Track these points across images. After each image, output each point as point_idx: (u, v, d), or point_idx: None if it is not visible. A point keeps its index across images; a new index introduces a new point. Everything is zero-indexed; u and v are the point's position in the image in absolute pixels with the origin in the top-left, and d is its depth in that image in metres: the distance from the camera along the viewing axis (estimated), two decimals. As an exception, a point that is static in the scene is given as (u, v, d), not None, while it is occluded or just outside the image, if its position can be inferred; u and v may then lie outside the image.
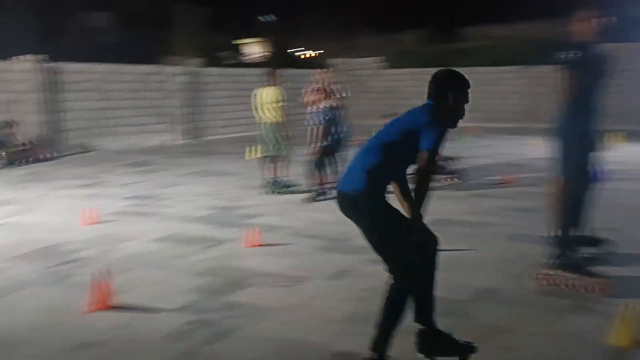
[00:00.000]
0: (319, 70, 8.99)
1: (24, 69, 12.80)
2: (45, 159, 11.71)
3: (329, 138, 7.60)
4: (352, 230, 5.85)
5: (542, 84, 19.56)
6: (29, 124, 12.57)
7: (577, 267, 4.24)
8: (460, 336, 3.48)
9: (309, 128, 7.77)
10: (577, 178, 4.34)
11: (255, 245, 5.46)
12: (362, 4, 38.57)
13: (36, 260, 5.06)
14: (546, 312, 3.86)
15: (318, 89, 8.07)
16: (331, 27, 38.35)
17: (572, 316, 3.79)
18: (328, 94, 7.78)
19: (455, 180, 8.81)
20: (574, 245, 4.42)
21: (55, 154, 12.32)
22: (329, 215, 6.72)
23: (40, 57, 13.10)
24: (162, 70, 16.04)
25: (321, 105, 7.75)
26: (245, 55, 47.63)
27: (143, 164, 11.37)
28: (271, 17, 16.21)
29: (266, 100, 8.17)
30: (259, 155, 11.73)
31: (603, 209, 6.83)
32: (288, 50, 35.19)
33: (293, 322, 3.75)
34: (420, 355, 3.18)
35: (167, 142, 15.60)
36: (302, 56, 41.68)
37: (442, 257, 4.98)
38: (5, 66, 12.82)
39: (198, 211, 7.02)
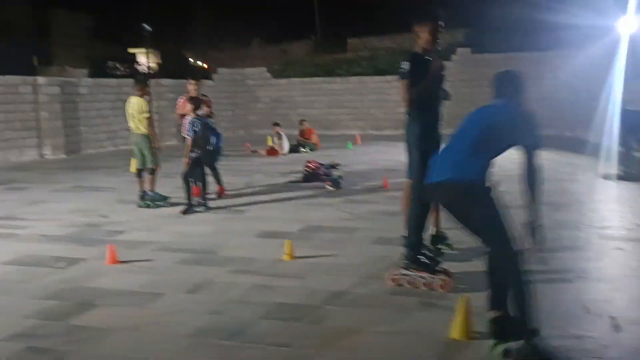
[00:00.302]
0: (192, 82, 8.84)
1: None
2: None
3: (197, 150, 7.46)
4: (221, 242, 5.85)
5: (421, 92, 20.55)
6: None
7: (424, 266, 4.43)
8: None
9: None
10: (420, 182, 4.52)
11: (115, 263, 5.21)
12: (252, 15, 38.69)
13: None
14: (393, 312, 3.98)
15: (186, 101, 7.91)
16: (223, 38, 38.12)
17: (417, 313, 3.94)
18: (196, 105, 7.64)
19: (330, 187, 8.97)
20: (422, 244, 4.60)
21: None
22: (200, 227, 6.59)
23: None
24: (30, 81, 15.02)
25: (189, 117, 7.61)
26: (139, 65, 46.11)
27: (8, 181, 10.55)
28: (147, 27, 15.69)
29: (131, 111, 7.88)
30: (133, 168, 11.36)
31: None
32: (190, 60, 34.39)
33: (138, 341, 3.59)
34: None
35: (37, 157, 14.63)
36: (203, 66, 40.96)
37: (301, 264, 5.09)
38: None
39: (61, 229, 6.60)
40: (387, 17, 33.11)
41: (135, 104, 7.89)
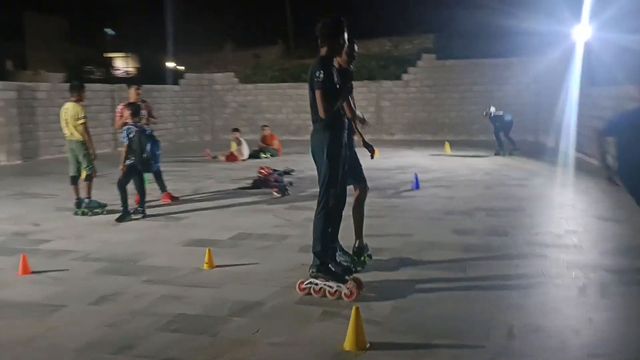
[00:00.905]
0: (132, 87, 8.72)
1: None
2: None
3: (132, 156, 7.34)
4: (145, 251, 5.74)
5: (386, 98, 20.61)
6: None
7: (332, 274, 4.37)
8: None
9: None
10: (336, 191, 4.47)
11: (27, 273, 5.06)
12: (222, 20, 38.54)
13: None
14: (296, 322, 3.90)
15: (124, 107, 7.78)
16: (197, 42, 37.90)
17: (319, 323, 3.87)
18: (134, 111, 7.52)
19: (276, 194, 8.89)
20: (330, 253, 4.54)
21: None
22: (129, 235, 6.47)
23: None
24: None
25: (126, 124, 7.49)
26: (116, 69, 45.69)
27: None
28: (110, 31, 15.60)
29: (66, 117, 7.73)
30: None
31: (404, 214, 7.29)
32: (168, 65, 34.16)
33: (24, 355, 3.47)
34: None
35: (-10, 163, 14.35)
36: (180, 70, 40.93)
37: (220, 273, 5.00)
38: None
39: (-16, 238, 6.43)
40: (358, 22, 33.24)
41: (70, 110, 7.74)
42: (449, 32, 22.78)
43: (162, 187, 8.68)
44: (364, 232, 5.28)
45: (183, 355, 3.43)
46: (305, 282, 4.40)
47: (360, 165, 5.19)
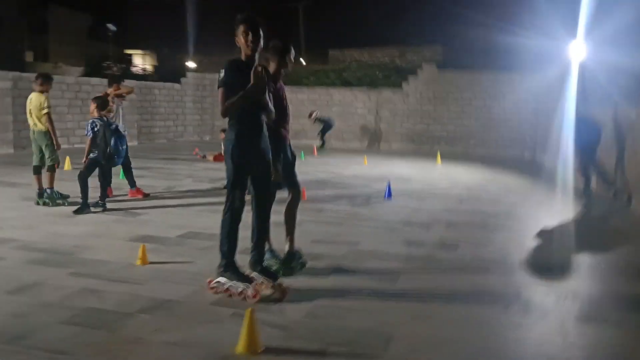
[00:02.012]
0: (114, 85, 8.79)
1: None
2: None
3: (96, 150, 7.36)
4: (88, 244, 5.73)
5: (386, 108, 20.55)
6: None
7: (237, 275, 4.32)
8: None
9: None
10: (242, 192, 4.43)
11: (-40, 260, 5.08)
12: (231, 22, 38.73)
13: None
14: (202, 322, 3.85)
15: (93, 100, 7.81)
16: (211, 43, 38.16)
17: (224, 325, 3.81)
18: (100, 105, 7.54)
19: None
20: (233, 253, 4.45)
21: None
22: (80, 228, 6.48)
23: None
24: (-18, 74, 14.93)
25: (92, 117, 7.51)
26: (135, 66, 46.22)
27: None
28: (112, 27, 15.78)
29: (31, 107, 7.78)
30: (67, 166, 11.22)
31: (362, 223, 7.22)
32: (186, 64, 34.45)
33: None
34: None
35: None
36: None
37: (149, 270, 4.97)
38: None
39: (-62, 224, 6.47)
40: (368, 30, 33.25)
41: (34, 100, 7.79)
42: (450, 44, 22.70)
43: (132, 183, 8.70)
44: (307, 237, 5.24)
45: (70, 349, 3.39)
46: (214, 282, 4.36)
47: (292, 170, 5.10)
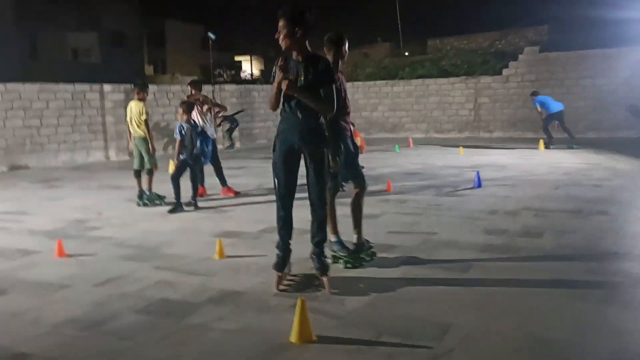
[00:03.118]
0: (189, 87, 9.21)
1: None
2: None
3: (184, 152, 7.77)
4: (172, 240, 6.08)
5: (485, 95, 19.77)
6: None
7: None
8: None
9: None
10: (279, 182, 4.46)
11: (62, 256, 5.58)
12: (337, 18, 39.06)
13: None
14: (262, 312, 3.96)
15: (181, 104, 8.24)
16: (310, 43, 38.81)
17: (283, 314, 3.88)
18: (186, 109, 7.94)
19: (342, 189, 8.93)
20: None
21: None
22: (168, 225, 6.88)
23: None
24: (97, 88, 16.27)
25: (179, 121, 7.94)
26: (243, 72, 48.32)
27: (55, 179, 11.56)
28: (212, 36, 16.55)
29: (131, 115, 8.36)
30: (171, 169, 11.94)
31: (443, 213, 7.02)
32: None
33: (9, 325, 3.86)
34: None
35: (103, 159, 15.84)
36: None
37: (224, 263, 5.16)
38: None
39: (50, 224, 7.15)
40: (466, 16, 32.14)
41: (134, 108, 8.36)
42: (553, 23, 21.34)
43: (223, 182, 9.10)
44: (384, 228, 5.18)
45: (139, 335, 3.63)
46: (284, 274, 4.50)
47: (355, 161, 5.06)
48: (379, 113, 21.68)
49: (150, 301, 4.25)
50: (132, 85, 8.86)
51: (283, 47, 4.22)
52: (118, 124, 16.39)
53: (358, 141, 15.68)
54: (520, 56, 19.33)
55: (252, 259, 5.33)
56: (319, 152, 4.29)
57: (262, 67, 52.01)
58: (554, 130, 14.60)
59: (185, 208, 7.80)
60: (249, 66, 52.59)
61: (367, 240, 5.15)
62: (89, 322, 3.86)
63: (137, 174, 8.47)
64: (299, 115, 4.23)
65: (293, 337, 3.46)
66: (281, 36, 4.15)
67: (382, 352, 3.27)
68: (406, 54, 30.83)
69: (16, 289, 4.63)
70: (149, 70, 48.87)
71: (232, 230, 6.50)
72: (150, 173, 8.40)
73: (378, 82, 21.82)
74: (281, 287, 4.40)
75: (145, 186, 8.39)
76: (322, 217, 4.43)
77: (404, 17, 37.97)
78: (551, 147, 14.30)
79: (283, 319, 3.81)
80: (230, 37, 48.46)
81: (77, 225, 7.05)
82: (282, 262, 4.48)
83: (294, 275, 4.60)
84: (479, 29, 28.72)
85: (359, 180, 5.09)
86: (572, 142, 14.28)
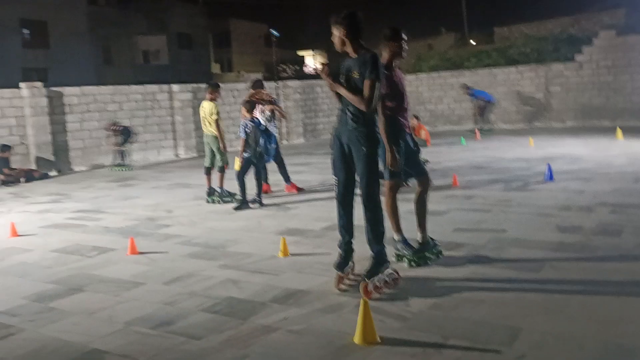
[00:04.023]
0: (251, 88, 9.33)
1: (28, 94, 13.82)
2: (40, 178, 12.60)
3: (249, 150, 7.87)
4: (238, 238, 6.18)
5: (556, 83, 18.96)
6: (34, 146, 13.60)
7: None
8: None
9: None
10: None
11: (134, 254, 5.79)
12: (400, 11, 38.60)
13: None
14: (327, 312, 3.94)
15: (244, 103, 8.36)
16: (371, 35, 38.63)
17: (348, 315, 3.85)
18: (249, 108, 8.05)
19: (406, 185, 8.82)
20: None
21: (53, 173, 13.32)
22: (234, 223, 7.00)
23: (40, 84, 14.14)
24: (166, 89, 16.79)
25: (243, 119, 8.05)
26: (306, 67, 48.79)
27: (128, 178, 12.03)
28: (275, 33, 16.75)
29: (203, 114, 8.56)
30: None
31: (512, 209, 6.78)
32: None
33: (82, 324, 4.02)
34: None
35: (173, 157, 16.37)
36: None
37: (289, 261, 5.19)
38: (14, 93, 13.90)
39: (123, 222, 7.44)
40: (536, 2, 30.90)
41: (206, 108, 8.55)
42: (632, 5, 20.15)
43: (286, 179, 9.17)
44: (450, 226, 5.05)
45: (207, 334, 3.70)
46: (346, 274, 4.47)
47: (416, 158, 4.96)
48: (444, 105, 21.24)
49: (217, 300, 4.32)
50: (206, 85, 9.08)
51: (337, 49, 4.35)
52: (186, 123, 16.89)
53: (423, 135, 15.49)
54: (595, 41, 18.39)
55: (316, 257, 5.33)
56: (362, 153, 4.26)
57: (326, 62, 52.19)
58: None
59: (251, 205, 7.92)
60: (312, 61, 52.86)
61: (432, 239, 5.04)
62: (159, 321, 3.98)
63: (208, 172, 8.66)
64: (348, 114, 4.30)
65: (357, 339, 3.43)
66: (335, 40, 4.32)
67: (449, 356, 3.19)
68: (472, 42, 30.07)
69: (92, 287, 4.84)
70: (215, 68, 50.11)
71: (296, 227, 6.53)
72: (222, 171, 8.56)
73: (443, 73, 21.37)
74: (342, 286, 4.38)
75: (216, 184, 8.56)
76: (372, 218, 4.35)
77: (470, 6, 37.06)
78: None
79: (347, 319, 3.79)
80: (293, 33, 49.02)
81: (149, 223, 7.30)
82: (343, 261, 4.46)
83: (358, 275, 4.55)
84: (550, 15, 27.63)
85: (423, 177, 4.99)
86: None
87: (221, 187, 8.58)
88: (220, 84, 9.83)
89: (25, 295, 4.68)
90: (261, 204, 7.95)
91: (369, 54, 4.21)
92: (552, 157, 10.92)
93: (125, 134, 14.10)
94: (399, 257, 4.92)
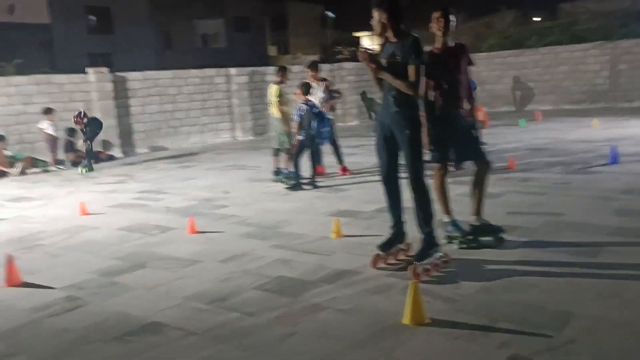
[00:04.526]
0: (307, 69, 9.38)
1: (95, 79, 14.42)
2: (106, 160, 13.17)
3: (303, 132, 7.97)
4: (291, 219, 6.32)
5: (624, 60, 18.12)
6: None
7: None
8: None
9: None
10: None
11: (192, 233, 6.02)
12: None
13: (5, 246, 5.98)
14: (376, 292, 4.00)
15: (298, 86, 8.44)
16: (428, 14, 37.80)
17: (396, 296, 3.90)
18: (305, 91, 8.12)
19: (451, 168, 8.69)
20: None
21: (118, 155, 13.90)
22: (287, 205, 7.14)
23: (106, 69, 14.71)
24: (223, 72, 17.10)
25: (298, 102, 8.14)
26: (363, 48, 48.31)
27: (187, 160, 12.42)
28: (330, 14, 16.84)
29: (270, 97, 8.73)
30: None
31: (570, 192, 6.60)
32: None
33: (143, 298, 4.25)
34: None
35: (230, 139, 16.72)
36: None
37: (340, 242, 5.27)
38: (82, 78, 14.53)
39: (183, 203, 7.72)
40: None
41: (273, 91, 8.72)
42: None
43: (339, 161, 9.23)
44: (504, 208, 5.04)
45: (258, 311, 3.84)
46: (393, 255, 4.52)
47: (469, 140, 4.88)
48: (503, 85, 20.67)
49: (269, 278, 4.46)
50: (276, 68, 9.26)
51: (376, 34, 4.35)
52: (242, 105, 17.18)
53: (480, 116, 15.16)
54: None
55: (367, 238, 5.38)
56: (405, 136, 4.28)
57: (382, 42, 51.78)
58: None
59: (304, 187, 8.03)
60: (368, 42, 52.44)
61: (495, 226, 4.91)
62: (214, 297, 4.15)
63: (276, 153, 8.82)
64: (390, 98, 4.31)
65: (406, 319, 3.48)
66: (374, 23, 4.30)
67: (497, 339, 3.19)
68: (535, 19, 28.99)
69: (152, 263, 5.08)
70: (271, 51, 50.52)
71: (347, 209, 6.60)
72: (287, 152, 8.68)
73: (502, 52, 20.77)
74: (379, 265, 4.45)
75: (282, 165, 8.70)
76: (419, 201, 4.37)
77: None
78: None
79: (396, 300, 3.83)
80: (349, 14, 48.71)
81: (206, 204, 7.54)
82: (387, 242, 4.53)
83: (407, 257, 4.57)
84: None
85: (479, 159, 4.90)
86: None
87: (287, 168, 8.70)
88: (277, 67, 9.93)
89: (91, 270, 4.97)
90: (315, 186, 8.05)
91: (411, 38, 4.20)
92: (617, 139, 10.48)
93: (92, 126, 11.84)
94: (450, 239, 4.91)
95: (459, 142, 4.80)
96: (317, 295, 4.06)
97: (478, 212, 4.94)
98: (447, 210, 4.93)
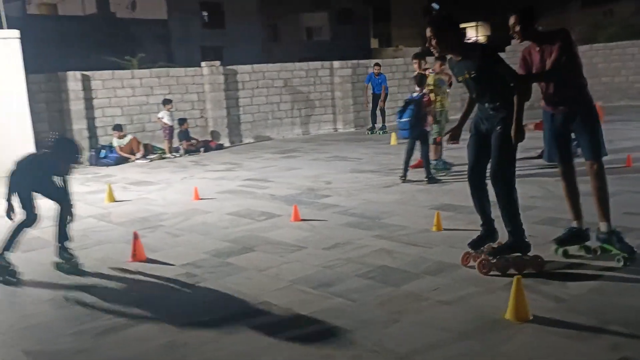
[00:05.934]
0: (414, 60, 9.33)
1: (208, 72, 15.22)
2: (216, 149, 13.90)
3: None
4: (393, 210, 6.42)
5: None
6: (211, 119, 15.01)
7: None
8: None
9: None
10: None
11: (297, 220, 6.28)
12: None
13: (131, 225, 6.57)
14: (477, 286, 4.02)
15: (415, 76, 8.41)
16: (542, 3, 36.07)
17: (499, 292, 3.88)
18: (419, 82, 8.10)
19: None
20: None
21: (227, 144, 14.61)
22: (389, 196, 7.24)
23: (218, 62, 15.46)
24: (327, 65, 17.37)
25: (413, 94, 8.13)
26: (468, 39, 47.25)
27: (291, 150, 12.82)
28: (435, 6, 16.56)
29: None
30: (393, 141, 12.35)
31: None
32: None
33: (253, 278, 4.54)
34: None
35: (331, 131, 17.00)
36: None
37: (441, 236, 5.29)
38: (196, 71, 15.39)
39: (287, 191, 8.03)
40: None
41: (430, 80, 8.56)
42: None
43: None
44: (620, 209, 5.00)
45: (361, 298, 3.98)
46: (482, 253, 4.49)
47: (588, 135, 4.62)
48: (621, 78, 19.34)
49: (371, 267, 4.59)
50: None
51: (437, 54, 4.38)
52: (345, 98, 17.36)
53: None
54: None
55: (468, 233, 5.29)
56: (497, 132, 4.24)
57: (489, 33, 50.21)
58: None
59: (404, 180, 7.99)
60: (474, 33, 50.99)
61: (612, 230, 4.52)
62: (319, 282, 4.35)
63: (432, 142, 8.65)
64: (486, 105, 4.34)
65: (508, 315, 3.48)
66: (432, 43, 4.25)
67: (606, 342, 3.12)
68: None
69: (261, 247, 5.38)
70: (374, 43, 50.39)
71: (449, 203, 6.57)
72: (434, 142, 8.61)
73: (621, 42, 19.43)
74: (468, 263, 4.44)
75: (431, 156, 8.52)
76: (501, 198, 4.31)
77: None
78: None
79: (499, 295, 3.83)
80: (454, 5, 47.42)
81: (309, 193, 7.80)
82: (477, 240, 4.49)
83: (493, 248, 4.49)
84: None
85: (587, 156, 4.63)
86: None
87: (436, 159, 8.70)
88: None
89: (206, 251, 5.35)
90: (435, 180, 7.89)
91: (477, 48, 4.40)
92: None
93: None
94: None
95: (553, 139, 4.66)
96: (419, 286, 4.14)
97: (604, 215, 4.58)
98: (573, 214, 4.67)
